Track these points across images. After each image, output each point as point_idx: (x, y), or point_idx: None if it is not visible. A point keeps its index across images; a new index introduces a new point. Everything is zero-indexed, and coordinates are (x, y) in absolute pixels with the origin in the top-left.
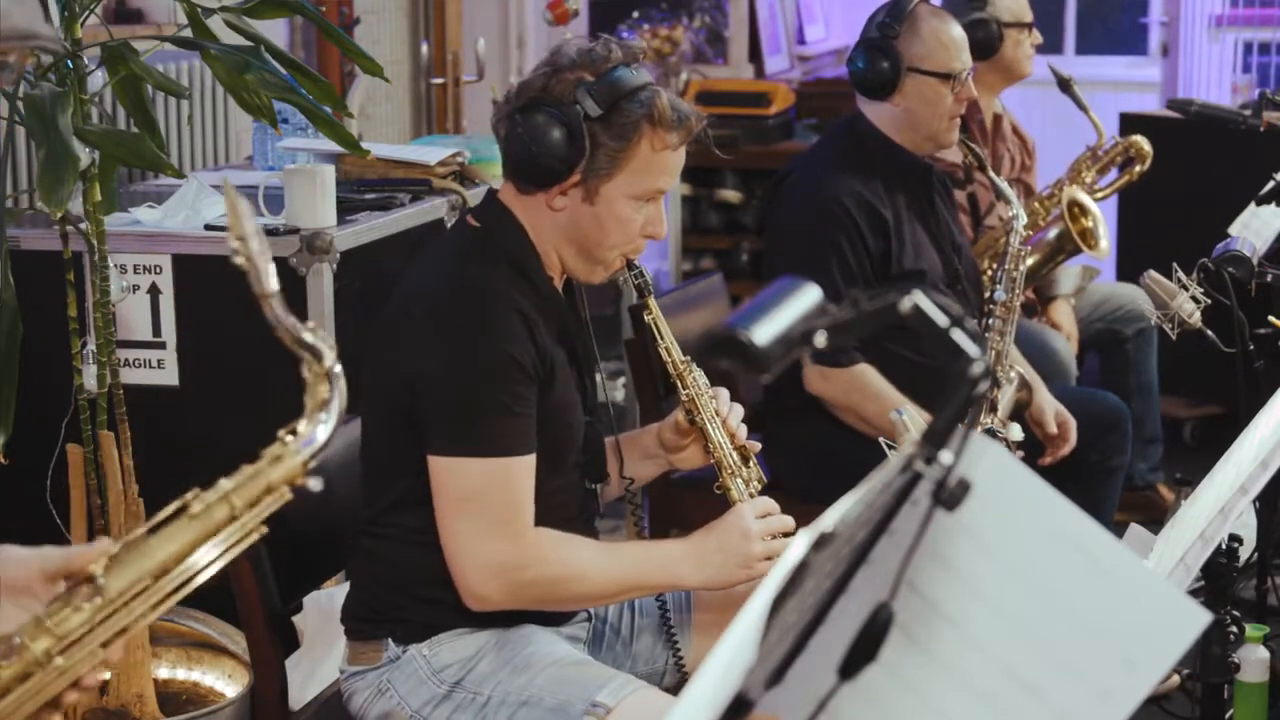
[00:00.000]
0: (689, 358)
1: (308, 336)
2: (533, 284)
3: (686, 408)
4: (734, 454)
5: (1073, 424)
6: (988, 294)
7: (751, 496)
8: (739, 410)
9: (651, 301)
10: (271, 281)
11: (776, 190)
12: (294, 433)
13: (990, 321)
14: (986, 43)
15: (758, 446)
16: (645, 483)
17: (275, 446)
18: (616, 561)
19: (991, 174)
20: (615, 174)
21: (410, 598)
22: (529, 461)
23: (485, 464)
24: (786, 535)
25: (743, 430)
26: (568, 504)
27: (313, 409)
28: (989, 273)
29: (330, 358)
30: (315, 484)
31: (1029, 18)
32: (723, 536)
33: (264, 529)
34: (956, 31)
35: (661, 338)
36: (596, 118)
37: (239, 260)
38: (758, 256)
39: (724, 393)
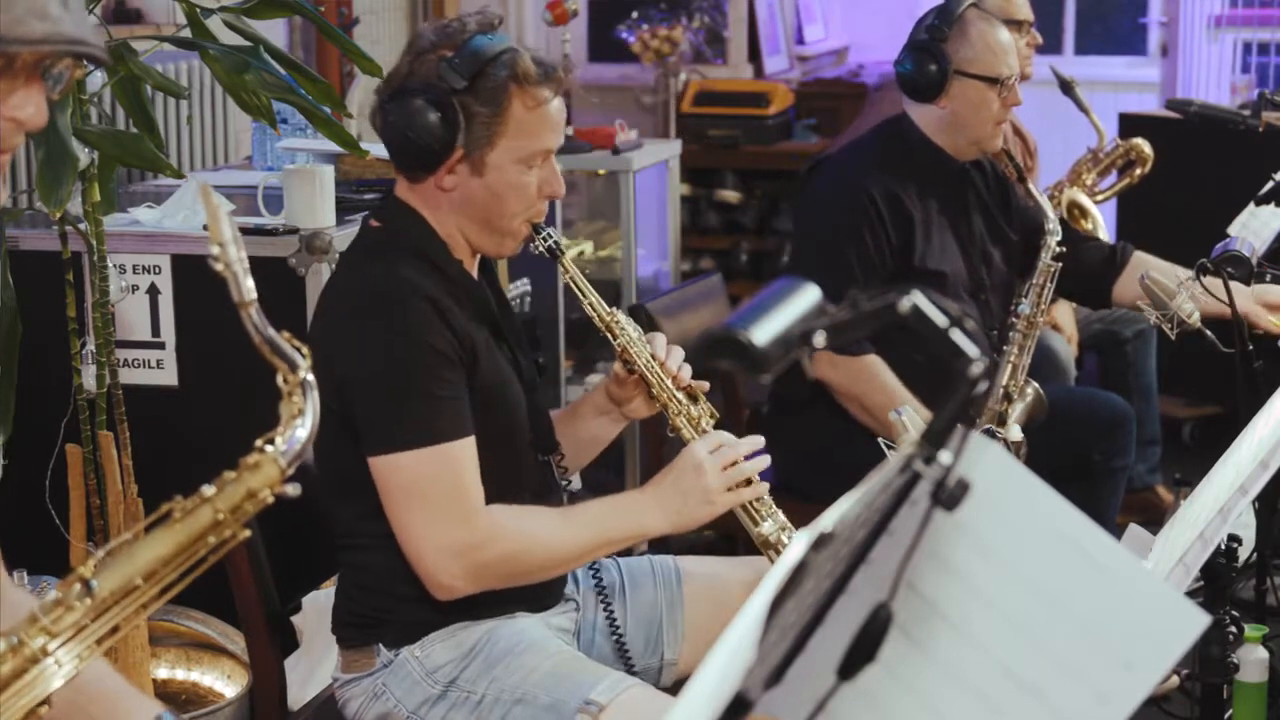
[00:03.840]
0: (613, 309)
1: (283, 346)
2: (442, 271)
3: (622, 358)
4: (678, 395)
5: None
6: (1012, 306)
7: (703, 433)
8: (678, 352)
9: (566, 260)
10: (249, 290)
11: (810, 174)
12: (271, 441)
13: (1011, 335)
14: None
15: (705, 385)
16: (605, 443)
17: (253, 455)
18: (576, 523)
19: (1031, 186)
20: (496, 141)
21: (396, 600)
22: (467, 444)
23: (421, 454)
24: (745, 460)
25: (686, 370)
26: (523, 480)
27: (288, 418)
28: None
29: (304, 367)
30: (293, 490)
31: (1018, 16)
32: (679, 477)
33: (246, 532)
34: (1005, 36)
35: (584, 295)
36: (463, 89)
37: (218, 267)
38: (757, 257)
39: (659, 337)
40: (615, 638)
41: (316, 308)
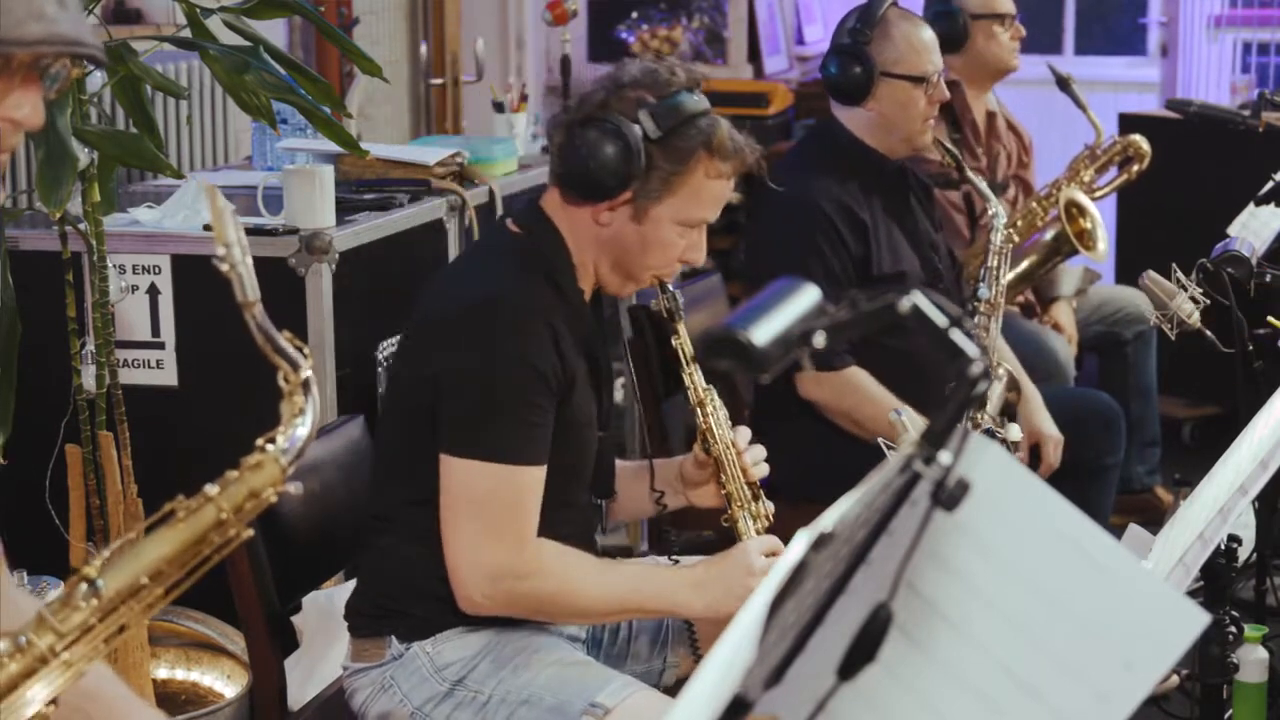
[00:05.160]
0: (711, 386)
1: (285, 346)
2: (565, 295)
3: (704, 436)
4: (745, 488)
5: (1051, 443)
6: (972, 291)
7: (759, 534)
8: (760, 450)
9: (680, 327)
10: (254, 290)
11: (755, 196)
12: (272, 441)
13: (975, 319)
14: (953, 35)
15: (764, 468)
16: (658, 513)
17: (254, 455)
18: (615, 581)
19: (970, 174)
20: (666, 197)
21: (416, 594)
22: (538, 473)
23: (495, 469)
24: None
25: (761, 469)
26: (574, 518)
27: (289, 417)
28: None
29: (306, 368)
30: (295, 488)
31: (1003, 9)
32: (727, 569)
33: (250, 532)
34: (927, 34)
35: (687, 365)
36: (655, 139)
37: (224, 268)
38: None
39: (745, 430)
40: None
41: (434, 292)
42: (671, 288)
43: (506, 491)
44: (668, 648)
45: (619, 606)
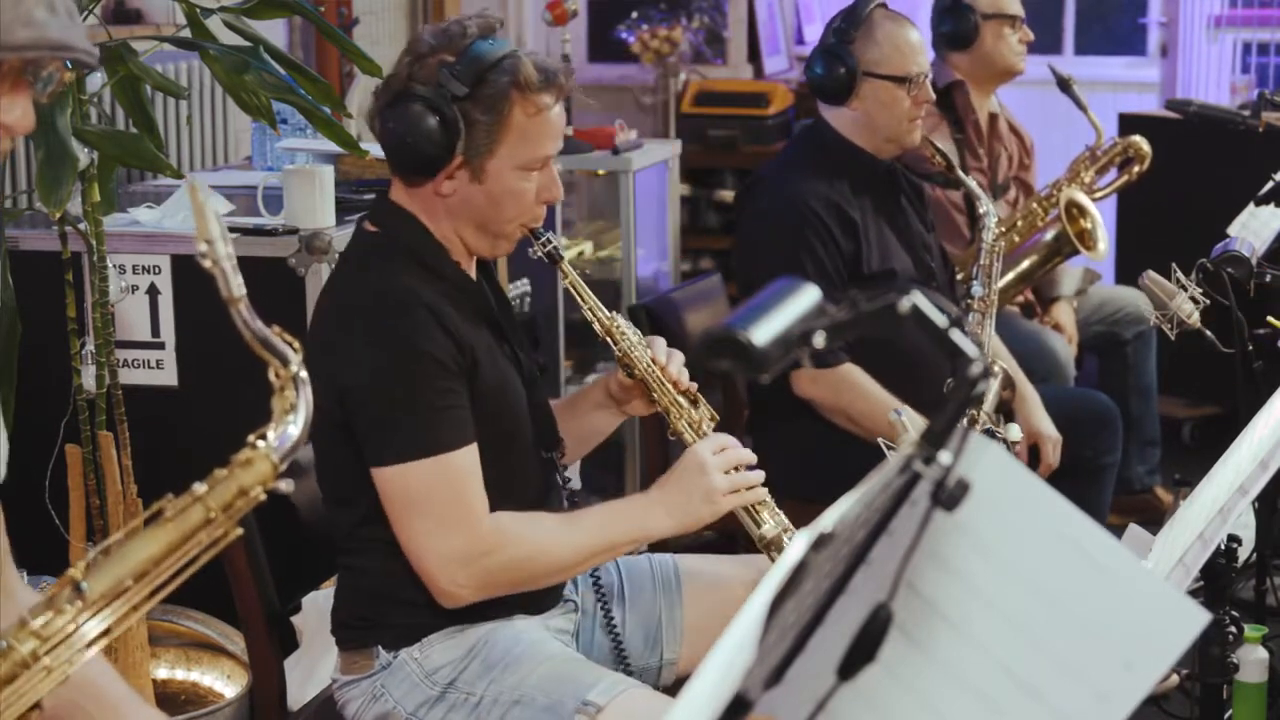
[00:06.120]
0: (614, 314)
1: (274, 341)
2: (440, 276)
3: (623, 363)
4: (679, 399)
5: (1050, 443)
6: (965, 290)
7: (704, 436)
8: (678, 356)
9: (565, 267)
10: (239, 286)
11: (746, 196)
12: (263, 437)
13: (970, 316)
14: (964, 33)
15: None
16: (604, 436)
17: (245, 451)
18: (581, 528)
19: (959, 173)
20: (496, 148)
21: (395, 603)
22: (469, 452)
23: (423, 465)
24: (749, 468)
25: (684, 375)
26: (528, 479)
27: (280, 413)
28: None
29: (296, 362)
30: (286, 486)
31: (1013, 10)
32: (682, 476)
33: (239, 530)
34: (913, 35)
35: (583, 300)
36: (464, 96)
37: (206, 264)
38: None
39: (659, 341)
40: (613, 639)
41: (315, 312)
42: (544, 231)
43: (442, 481)
44: (662, 646)
45: (593, 550)
